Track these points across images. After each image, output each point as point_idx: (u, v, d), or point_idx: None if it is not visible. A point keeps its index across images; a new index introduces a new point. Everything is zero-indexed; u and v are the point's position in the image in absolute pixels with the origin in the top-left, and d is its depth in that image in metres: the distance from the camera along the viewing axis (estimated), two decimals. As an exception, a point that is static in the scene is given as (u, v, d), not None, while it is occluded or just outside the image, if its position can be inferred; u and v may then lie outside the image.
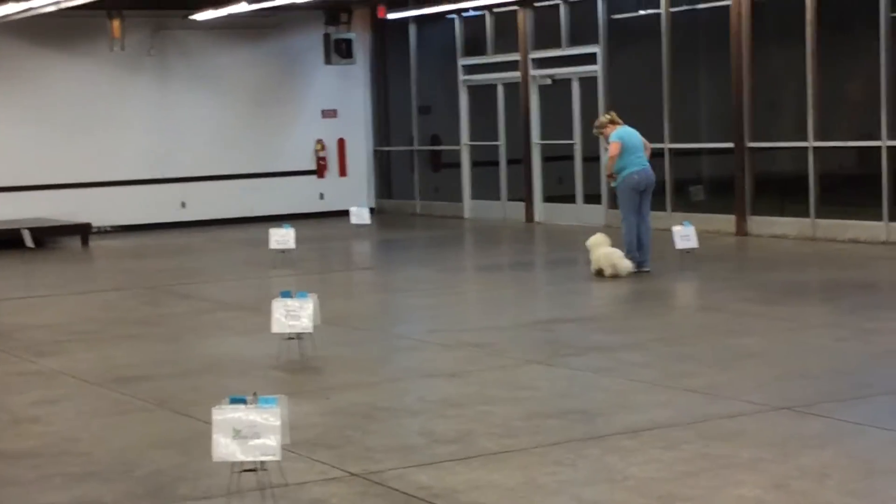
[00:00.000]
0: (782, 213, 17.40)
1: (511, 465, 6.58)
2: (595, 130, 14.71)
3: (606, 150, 14.26)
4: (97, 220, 21.13)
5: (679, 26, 18.72)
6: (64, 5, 18.35)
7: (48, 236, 20.17)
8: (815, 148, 16.84)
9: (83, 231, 20.18)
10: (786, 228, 17.21)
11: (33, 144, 21.46)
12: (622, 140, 13.89)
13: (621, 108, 19.45)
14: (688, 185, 18.95)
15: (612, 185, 14.44)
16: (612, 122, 14.18)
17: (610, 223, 19.45)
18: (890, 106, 15.92)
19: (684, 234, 14.72)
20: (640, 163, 13.93)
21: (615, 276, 13.54)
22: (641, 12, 19.42)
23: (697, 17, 18.72)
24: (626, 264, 13.57)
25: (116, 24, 21.25)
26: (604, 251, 13.70)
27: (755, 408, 7.67)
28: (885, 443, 6.87)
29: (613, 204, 19.56)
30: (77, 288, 15.37)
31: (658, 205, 18.68)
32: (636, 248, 13.93)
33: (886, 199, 16.01)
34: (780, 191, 17.70)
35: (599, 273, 13.67)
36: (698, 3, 18.59)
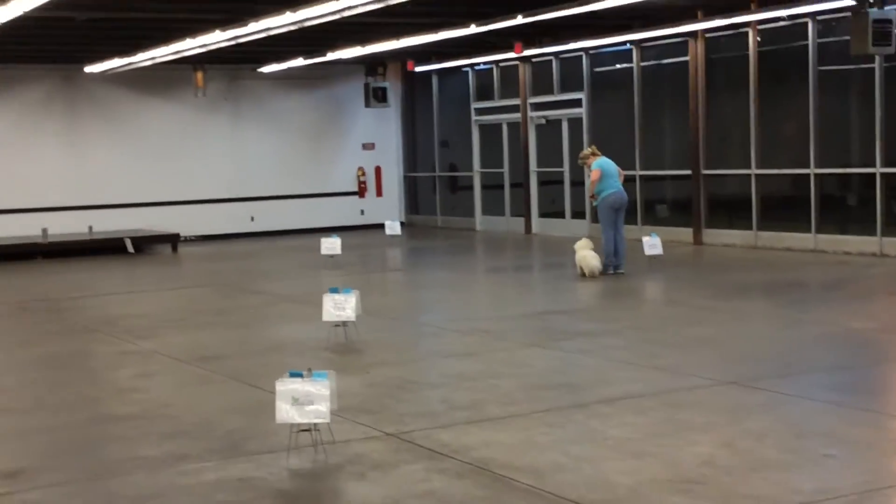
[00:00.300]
0: (731, 227, 17.37)
1: (513, 427, 6.58)
2: (580, 161, 14.79)
3: (589, 176, 14.27)
4: (184, 231, 21.17)
5: (648, 77, 18.72)
6: (158, 60, 18.42)
7: (145, 244, 20.21)
8: (756, 175, 16.82)
9: (173, 240, 20.22)
10: (734, 239, 17.18)
11: (133, 171, 21.55)
12: (601, 168, 14.00)
13: (601, 143, 19.49)
14: (655, 204, 18.94)
15: (594, 204, 14.46)
16: (594, 153, 14.30)
17: (592, 234, 19.43)
18: (817, 141, 15.89)
19: (652, 244, 14.72)
20: (615, 186, 14.00)
21: (592, 275, 13.58)
22: (618, 66, 19.41)
23: (662, 70, 18.70)
24: (596, 265, 13.61)
25: (200, 75, 21.30)
26: (582, 254, 13.78)
27: (709, 382, 7.66)
28: (813, 410, 6.86)
29: (596, 219, 19.59)
30: (168, 285, 15.41)
31: (630, 220, 18.71)
32: (613, 254, 13.92)
33: (815, 215, 15.97)
34: (729, 209, 17.65)
35: (583, 274, 13.70)
36: (663, 59, 18.59)
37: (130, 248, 19.33)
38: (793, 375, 7.81)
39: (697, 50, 17.52)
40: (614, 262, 13.93)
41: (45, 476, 5.94)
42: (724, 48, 17.43)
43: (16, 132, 20.65)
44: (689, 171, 17.85)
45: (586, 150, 14.58)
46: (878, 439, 6.15)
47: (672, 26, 17.06)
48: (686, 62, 17.77)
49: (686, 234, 17.80)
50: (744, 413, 6.75)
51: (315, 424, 6.12)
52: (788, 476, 5.48)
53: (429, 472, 5.71)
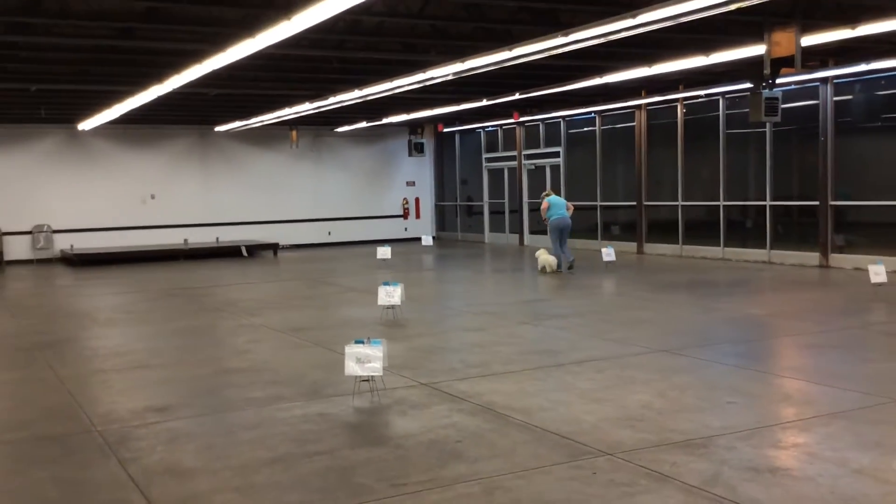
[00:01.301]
0: (664, 241, 17.26)
1: (510, 381, 6.57)
2: (542, 195, 15.24)
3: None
4: (282, 241, 21.24)
5: (606, 136, 18.65)
6: (266, 122, 18.48)
7: (255, 250, 20.27)
8: (682, 205, 16.71)
9: (274, 247, 20.27)
10: (665, 250, 17.07)
11: (246, 199, 21.62)
12: (549, 202, 14.58)
13: (574, 182, 19.51)
14: (610, 224, 18.85)
15: (546, 224, 14.90)
16: (548, 193, 14.92)
17: (571, 248, 19.37)
18: (725, 181, 15.79)
19: (608, 253, 14.67)
20: (560, 214, 14.44)
21: (553, 272, 14.09)
22: (586, 129, 19.36)
23: (616, 132, 18.63)
24: (553, 262, 14.14)
25: (294, 133, 21.36)
26: (544, 257, 14.29)
27: (647, 350, 7.62)
28: (723, 372, 6.80)
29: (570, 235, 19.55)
30: (270, 279, 15.46)
31: (591, 235, 18.72)
32: (561, 260, 14.34)
33: (723, 233, 15.87)
34: (662, 229, 17.56)
35: (542, 270, 14.20)
36: (617, 123, 18.52)
37: (245, 253, 19.39)
38: (707, 346, 7.76)
39: (642, 117, 17.46)
40: (564, 262, 14.38)
41: (184, 410, 6.00)
42: (660, 116, 17.36)
43: (166, 173, 20.78)
44: (634, 202, 17.77)
45: (546, 192, 15.23)
46: (767, 392, 6.10)
47: (623, 101, 17.02)
48: (633, 126, 17.71)
49: (632, 246, 17.71)
50: (672, 372, 6.71)
51: (372, 376, 6.13)
52: (703, 416, 5.45)
53: (451, 411, 5.71)
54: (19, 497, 4.40)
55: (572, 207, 14.75)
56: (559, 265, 14.26)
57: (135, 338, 9.29)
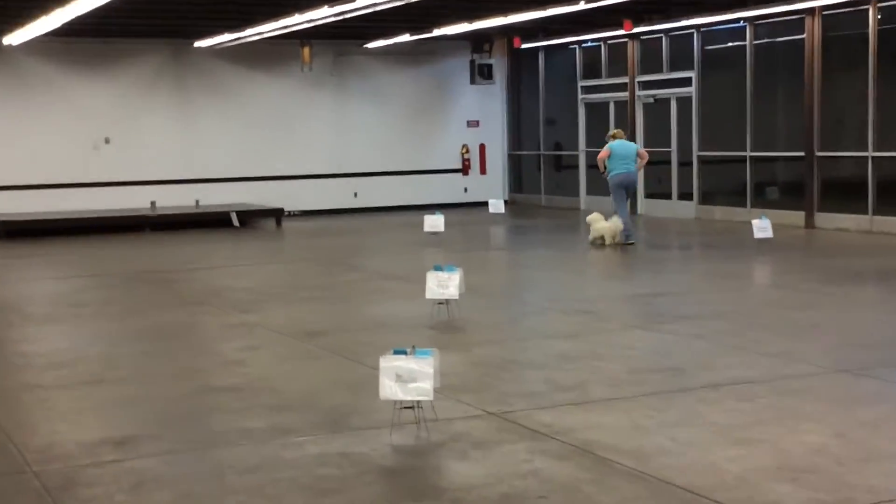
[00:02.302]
0: (845, 211, 17.01)
1: (617, 410, 6.56)
2: (607, 136, 16.00)
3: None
4: (288, 206, 21.45)
5: (761, 56, 18.39)
6: (266, 35, 18.67)
7: (250, 218, 20.54)
8: (874, 157, 16.43)
9: (277, 214, 20.52)
10: (847, 223, 16.82)
11: (239, 146, 21.88)
12: (612, 149, 15.38)
13: (711, 124, 19.32)
14: (765, 186, 18.65)
15: (606, 178, 15.71)
16: (614, 136, 15.71)
17: (700, 216, 19.24)
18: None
19: (761, 227, 14.55)
20: (623, 168, 15.29)
21: (613, 243, 15.08)
22: (730, 44, 19.12)
23: (776, 49, 18.37)
24: (616, 229, 15.11)
25: (306, 50, 21.52)
26: (600, 224, 15.27)
27: (818, 369, 7.54)
28: (928, 402, 6.71)
29: (703, 200, 19.41)
30: (272, 259, 15.65)
31: (739, 202, 18.54)
32: (629, 228, 15.33)
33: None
34: (844, 192, 17.28)
35: (595, 242, 15.28)
36: (777, 36, 18.25)
37: (236, 222, 19.66)
38: (908, 365, 7.65)
39: (814, 27, 17.16)
40: (629, 231, 15.35)
41: (153, 444, 6.10)
42: (843, 25, 17.05)
43: (125, 106, 21.09)
44: (802, 153, 17.53)
45: (611, 132, 16.02)
46: None
47: (788, 3, 16.74)
48: (802, 40, 17.42)
49: (797, 217, 17.48)
50: (855, 402, 6.62)
51: (418, 402, 6.17)
52: (902, 468, 5.37)
53: (531, 453, 5.72)
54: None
55: (646, 156, 15.81)
56: (627, 235, 15.24)
57: (84, 340, 9.47)
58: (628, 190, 15.61)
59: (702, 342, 8.61)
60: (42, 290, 12.88)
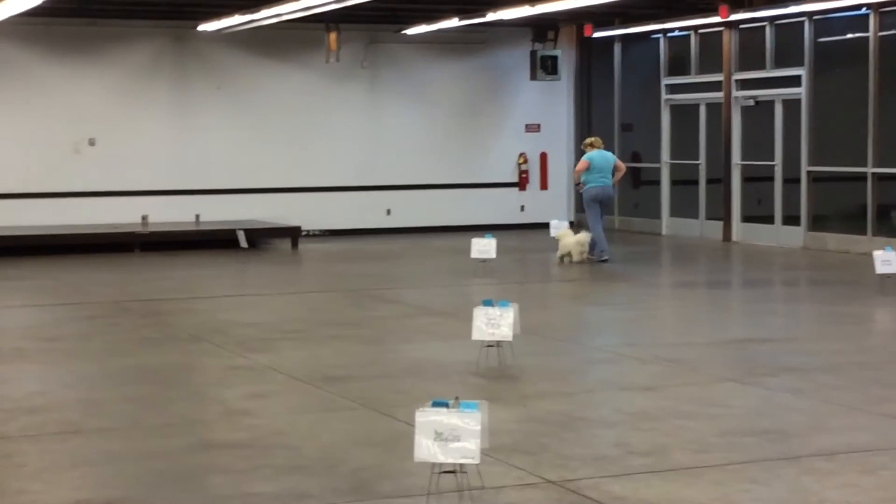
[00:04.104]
0: None
1: (705, 481, 6.51)
2: (583, 145, 17.71)
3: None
4: (306, 224, 21.53)
5: (887, 50, 18.26)
6: (284, 18, 18.78)
7: (260, 238, 20.61)
8: None
9: (293, 234, 20.58)
10: None
11: (249, 150, 21.92)
12: (590, 160, 17.04)
13: (825, 131, 19.19)
14: (890, 209, 18.47)
15: (580, 191, 17.61)
16: (591, 145, 17.31)
17: (808, 245, 19.11)
18: None
19: (885, 259, 14.35)
20: (600, 182, 17.01)
21: (581, 262, 16.66)
22: (849, 35, 19.01)
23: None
24: (583, 244, 16.78)
25: (333, 36, 21.60)
26: (570, 240, 16.72)
27: (956, 437, 7.45)
28: None
29: (813, 226, 19.27)
30: (286, 288, 15.70)
31: (858, 229, 18.35)
32: (602, 244, 17.00)
33: None
34: None
35: (562, 259, 16.80)
36: (908, 27, 18.15)
37: (243, 243, 19.75)
38: None
39: (953, 17, 17.05)
40: (603, 247, 17.03)
41: (141, 510, 6.13)
42: None
43: (115, 102, 21.22)
44: (936, 170, 17.39)
45: (588, 140, 17.53)
46: None
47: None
48: (938, 32, 17.32)
49: (930, 248, 17.32)
50: None
51: (461, 465, 6.16)
52: None
53: (599, 531, 5.71)
54: None
55: (624, 168, 17.59)
56: (594, 249, 16.81)
57: (60, 382, 9.53)
58: (604, 204, 17.33)
59: (810, 400, 8.53)
60: (10, 320, 12.97)
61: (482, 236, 16.61)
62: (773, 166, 20.06)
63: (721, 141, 21.03)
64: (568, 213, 23.80)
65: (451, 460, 6.09)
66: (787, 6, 18.71)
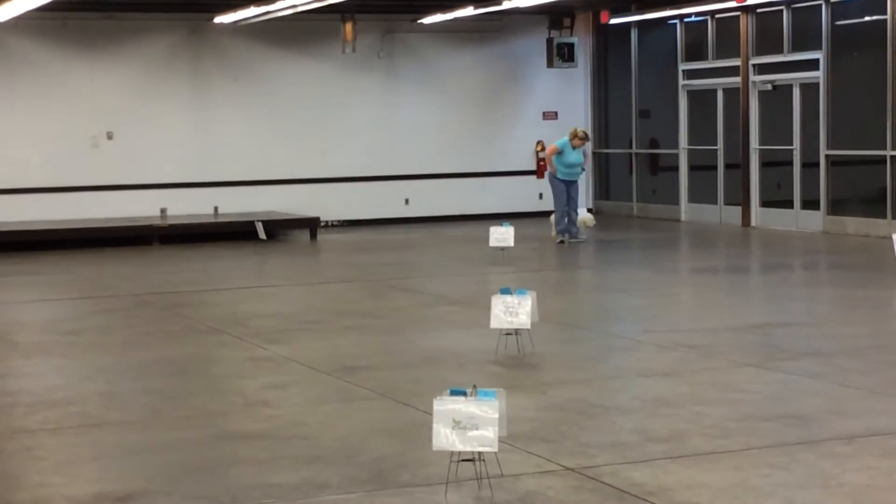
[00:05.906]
0: None
1: (724, 466, 6.52)
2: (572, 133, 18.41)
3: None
4: (325, 215, 21.56)
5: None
6: (300, 9, 18.79)
7: (279, 229, 20.66)
8: None
9: (312, 225, 20.62)
10: None
11: (266, 141, 21.99)
12: (563, 151, 18.03)
13: (843, 115, 19.11)
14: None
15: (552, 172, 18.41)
16: (581, 139, 18.13)
17: (828, 229, 19.05)
18: None
19: (906, 243, 14.35)
20: (569, 175, 18.09)
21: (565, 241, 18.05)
22: (867, 18, 18.93)
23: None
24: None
25: (349, 27, 21.62)
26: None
27: (976, 420, 7.43)
28: None
29: (832, 210, 19.20)
30: (305, 279, 15.72)
31: (878, 212, 18.29)
32: (568, 224, 18.20)
33: None
34: None
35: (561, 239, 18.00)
36: (926, 8, 18.06)
37: (262, 234, 19.76)
38: None
39: (971, -2, 16.96)
40: (572, 230, 18.20)
41: (161, 501, 6.16)
42: None
43: (132, 95, 21.28)
44: (956, 152, 17.31)
45: (581, 132, 18.29)
46: None
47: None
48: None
49: (950, 231, 17.26)
50: None
51: (479, 454, 6.17)
52: None
53: (617, 518, 5.71)
54: None
55: (588, 156, 18.88)
56: (565, 231, 18.06)
57: (80, 375, 9.58)
58: (570, 187, 18.21)
59: (830, 384, 8.51)
60: (30, 314, 13.04)
61: (500, 224, 16.60)
62: (791, 150, 20.00)
63: (739, 126, 20.99)
64: (586, 201, 23.76)
65: (469, 449, 6.09)
66: (803, -11, 18.64)
